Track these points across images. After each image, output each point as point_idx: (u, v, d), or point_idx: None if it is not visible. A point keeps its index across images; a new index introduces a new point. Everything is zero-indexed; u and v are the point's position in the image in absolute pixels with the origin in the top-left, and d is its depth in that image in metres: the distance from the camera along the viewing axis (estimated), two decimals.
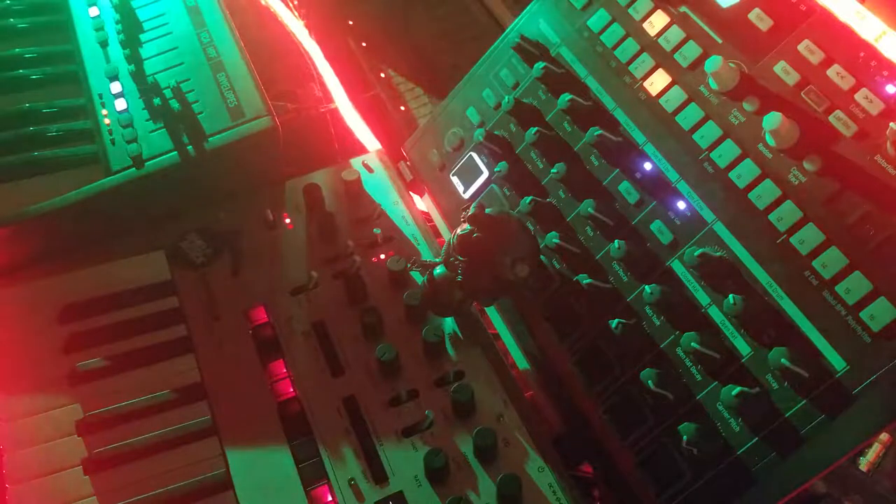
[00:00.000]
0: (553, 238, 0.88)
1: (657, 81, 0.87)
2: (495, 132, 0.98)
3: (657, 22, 0.89)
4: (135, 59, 1.09)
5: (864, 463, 0.89)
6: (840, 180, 0.73)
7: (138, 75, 1.07)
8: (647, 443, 0.79)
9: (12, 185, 0.99)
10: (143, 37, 1.13)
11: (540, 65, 0.94)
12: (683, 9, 0.88)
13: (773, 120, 0.75)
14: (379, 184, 1.07)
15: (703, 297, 0.78)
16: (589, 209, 0.86)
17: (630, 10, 0.92)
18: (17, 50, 1.14)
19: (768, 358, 0.71)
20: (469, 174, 1.01)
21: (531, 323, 0.92)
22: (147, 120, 1.03)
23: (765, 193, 0.77)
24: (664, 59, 0.88)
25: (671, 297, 0.79)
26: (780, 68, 0.79)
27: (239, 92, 1.04)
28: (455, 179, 1.03)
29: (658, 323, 0.81)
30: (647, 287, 0.80)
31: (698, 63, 0.84)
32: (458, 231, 0.83)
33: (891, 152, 0.70)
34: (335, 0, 1.47)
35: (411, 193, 1.09)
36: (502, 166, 0.96)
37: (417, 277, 0.95)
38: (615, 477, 0.81)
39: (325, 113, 1.22)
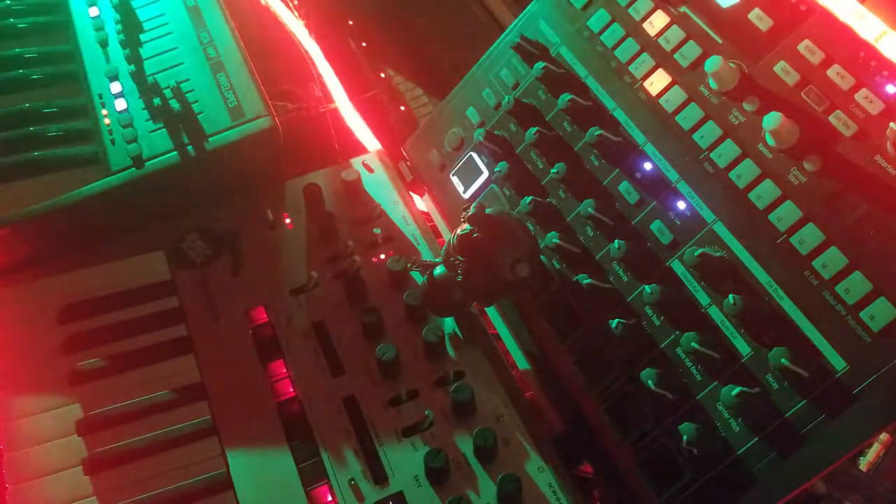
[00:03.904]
0: (553, 238, 0.88)
1: (657, 81, 0.87)
2: (495, 132, 0.98)
3: (657, 22, 0.89)
4: (135, 59, 1.09)
5: (864, 463, 0.89)
6: (840, 180, 0.73)
7: (138, 75, 1.07)
8: (647, 443, 0.79)
9: (12, 185, 0.99)
10: (143, 37, 1.13)
11: (540, 65, 0.94)
12: (683, 9, 0.88)
13: (773, 120, 0.75)
14: (379, 184, 1.07)
15: (703, 297, 0.78)
16: (589, 209, 0.86)
17: (630, 10, 0.92)
18: (17, 50, 1.14)
19: (768, 358, 0.71)
20: (469, 174, 1.01)
21: (531, 323, 0.92)
22: (147, 120, 1.03)
23: (765, 193, 0.77)
24: (664, 59, 0.88)
25: (671, 297, 0.79)
26: (780, 68, 0.79)
27: (239, 92, 1.04)
28: (455, 179, 1.03)
29: (658, 323, 0.81)
30: (647, 287, 0.80)
31: (698, 63, 0.84)
32: (458, 231, 0.83)
33: (891, 152, 0.70)
34: (335, 0, 1.47)
35: (411, 193, 1.09)
36: (502, 166, 0.96)
37: (417, 277, 0.95)
38: (615, 477, 0.81)
39: (325, 113, 1.22)
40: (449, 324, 0.92)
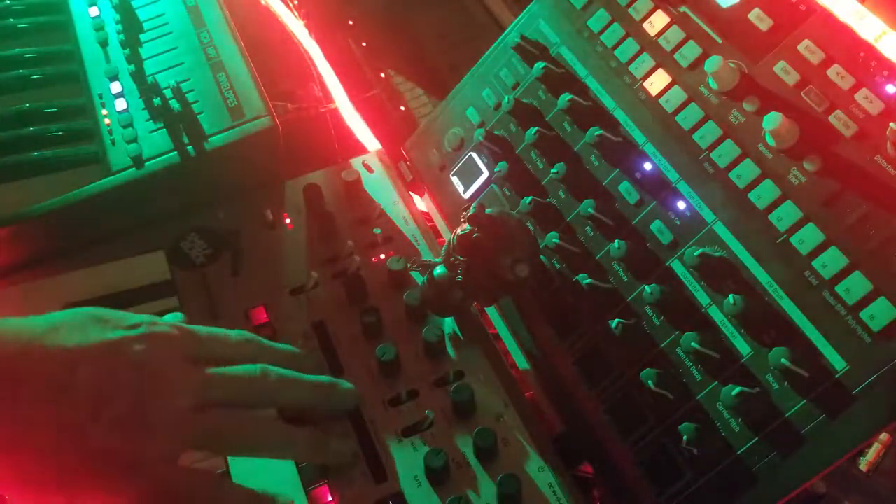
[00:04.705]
0: (553, 238, 0.88)
1: (657, 81, 0.87)
2: (495, 132, 0.98)
3: (657, 22, 0.89)
4: (135, 59, 1.09)
5: (864, 463, 0.89)
6: (840, 180, 0.73)
7: (138, 75, 1.07)
8: (647, 443, 0.79)
9: (12, 185, 0.99)
10: (143, 37, 1.13)
11: (540, 65, 0.94)
12: (683, 9, 0.88)
13: (773, 120, 0.75)
14: (379, 184, 1.07)
15: (703, 297, 0.78)
16: (589, 209, 0.86)
17: (630, 10, 0.92)
18: (17, 50, 1.14)
19: (768, 358, 0.71)
20: (469, 174, 1.01)
21: (531, 323, 0.92)
22: (147, 120, 1.03)
23: (765, 193, 0.77)
24: (664, 59, 0.88)
25: (671, 297, 0.79)
26: (780, 68, 0.79)
27: (239, 92, 1.04)
28: (455, 179, 1.03)
29: (658, 323, 0.81)
30: (647, 287, 0.80)
31: (698, 63, 0.84)
32: (458, 231, 0.83)
33: (891, 152, 0.70)
34: (335, 0, 1.47)
35: (411, 193, 1.09)
36: (502, 166, 0.96)
37: (417, 277, 0.95)
38: (615, 477, 0.81)
39: (325, 113, 1.22)
40: (449, 324, 0.92)
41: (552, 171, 0.91)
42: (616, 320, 0.81)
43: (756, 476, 0.72)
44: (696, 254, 0.77)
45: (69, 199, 0.97)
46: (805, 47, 0.78)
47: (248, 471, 0.83)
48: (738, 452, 0.73)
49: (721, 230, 0.79)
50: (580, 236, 0.89)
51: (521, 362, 0.94)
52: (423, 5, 1.50)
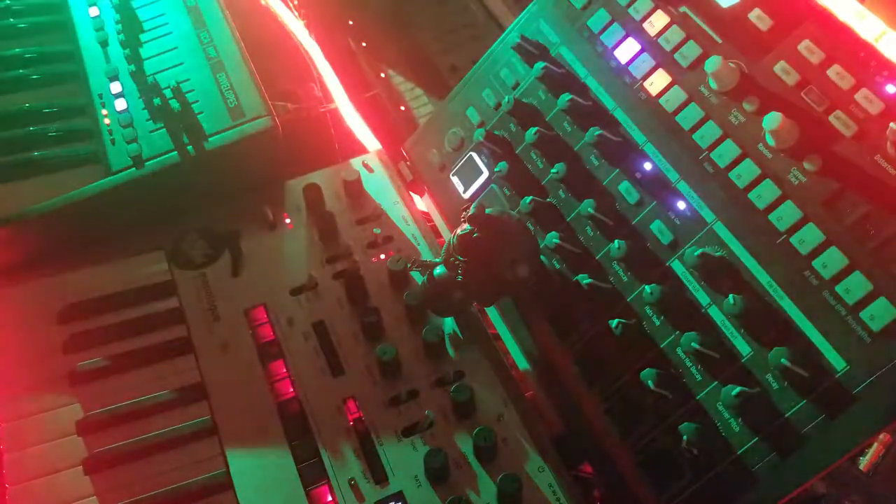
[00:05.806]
0: (553, 238, 0.88)
1: (657, 81, 0.87)
2: (495, 132, 0.98)
3: (657, 22, 0.89)
4: (135, 59, 1.09)
5: (864, 463, 0.89)
6: (840, 180, 0.73)
7: (138, 75, 1.07)
8: (647, 443, 0.79)
9: (12, 185, 0.99)
10: (143, 37, 1.13)
11: (540, 65, 0.94)
12: (683, 9, 0.88)
13: (773, 120, 0.75)
14: (379, 184, 1.07)
15: (703, 297, 0.78)
16: (589, 209, 0.86)
17: (630, 10, 0.92)
18: (17, 50, 1.14)
19: (768, 358, 0.71)
20: (469, 174, 1.01)
21: (531, 323, 0.92)
22: (147, 120, 1.03)
23: (765, 193, 0.77)
24: (664, 59, 0.88)
25: (671, 297, 0.79)
26: (780, 68, 0.79)
27: (239, 92, 1.04)
28: (455, 179, 1.03)
29: (658, 323, 0.81)
30: (647, 287, 0.80)
31: (698, 63, 0.84)
32: (458, 231, 0.83)
33: (891, 152, 0.70)
34: (335, 0, 1.47)
35: (411, 193, 1.09)
36: (502, 166, 0.96)
37: (417, 277, 0.95)
38: (615, 477, 0.81)
39: (325, 113, 1.22)
40: (449, 324, 0.92)
41: (552, 171, 0.91)
42: (616, 320, 0.81)
43: (756, 476, 0.72)
44: (696, 254, 0.77)
45: (69, 199, 0.97)
46: (805, 47, 0.78)
47: (248, 472, 0.83)
48: (738, 452, 0.73)
49: (721, 230, 0.79)
50: (580, 236, 0.89)
51: (521, 362, 0.94)
52: (423, 5, 1.50)
